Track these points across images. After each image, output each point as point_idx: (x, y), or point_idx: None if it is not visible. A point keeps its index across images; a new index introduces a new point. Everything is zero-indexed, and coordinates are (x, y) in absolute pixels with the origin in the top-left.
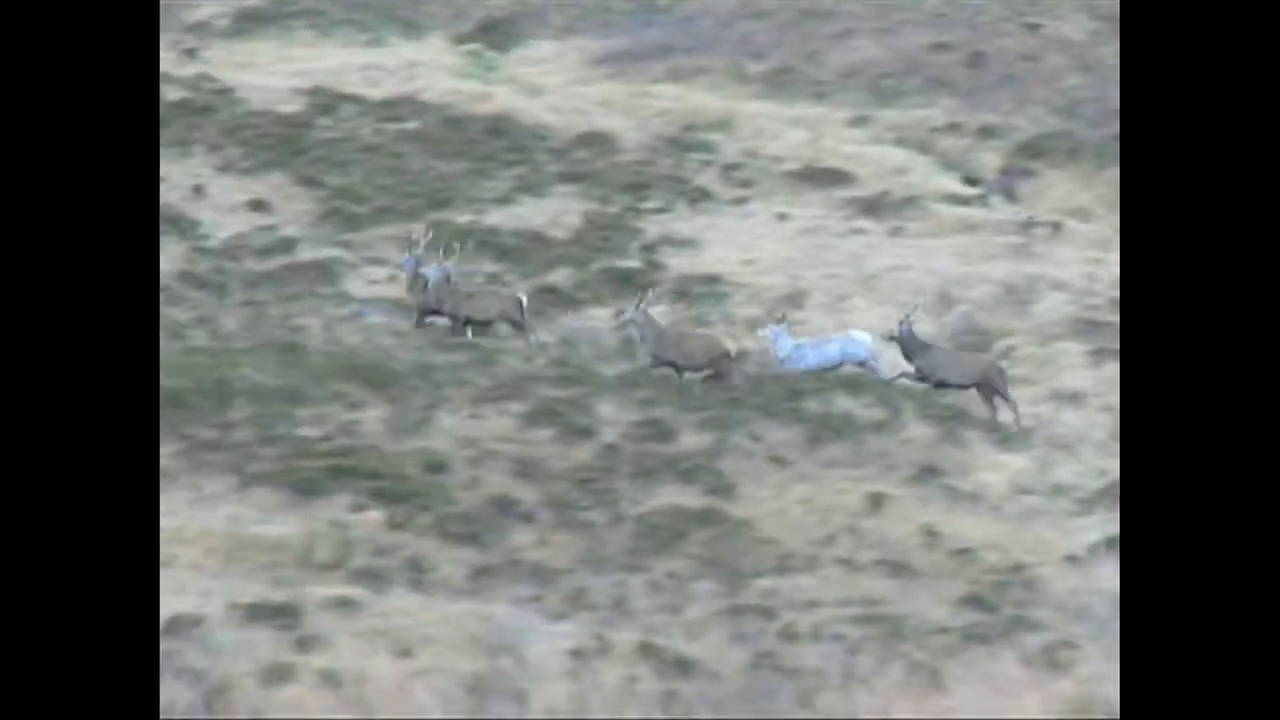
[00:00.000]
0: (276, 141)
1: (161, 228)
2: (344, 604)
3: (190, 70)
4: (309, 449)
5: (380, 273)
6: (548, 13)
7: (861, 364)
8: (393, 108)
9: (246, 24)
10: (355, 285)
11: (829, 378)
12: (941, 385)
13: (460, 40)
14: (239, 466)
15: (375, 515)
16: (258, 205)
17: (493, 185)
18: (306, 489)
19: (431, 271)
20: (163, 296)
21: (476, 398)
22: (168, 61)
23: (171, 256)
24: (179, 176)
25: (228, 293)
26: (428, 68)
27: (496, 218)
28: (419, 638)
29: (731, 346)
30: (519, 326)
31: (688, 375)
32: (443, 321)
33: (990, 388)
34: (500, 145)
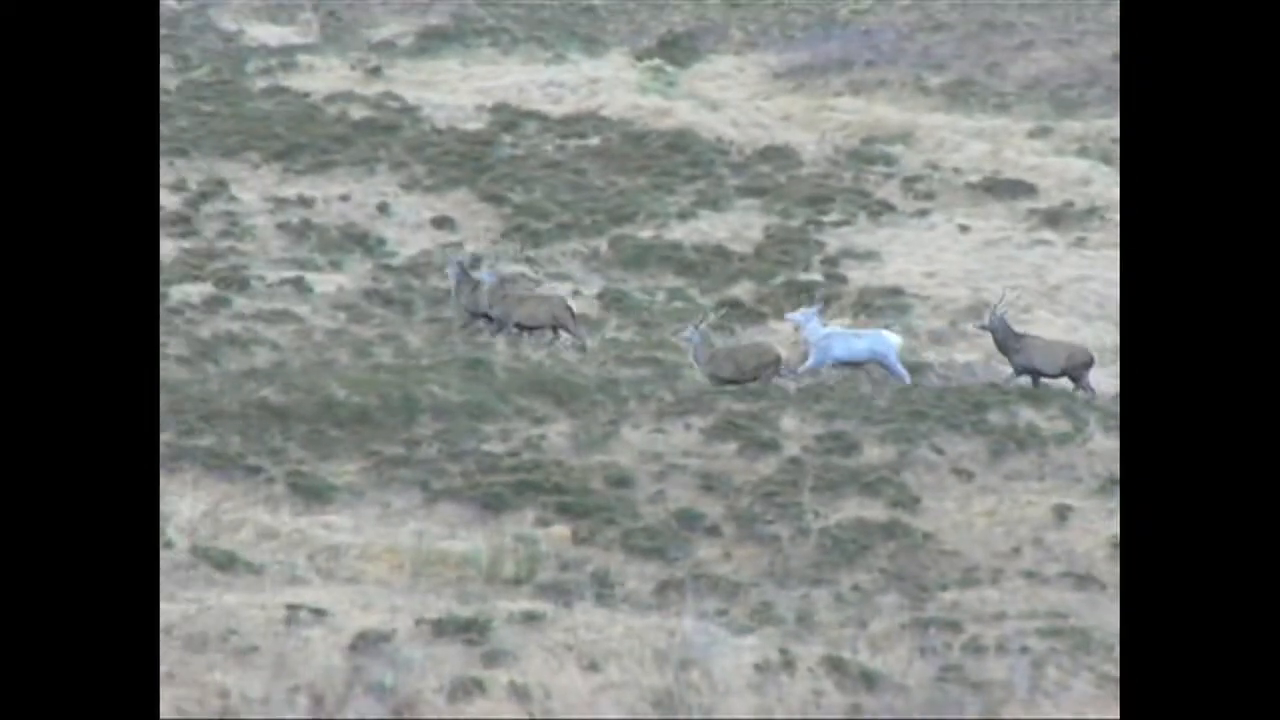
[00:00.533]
0: (460, 159)
1: (346, 245)
2: (531, 618)
3: (375, 89)
4: (495, 464)
5: (564, 288)
6: (728, 27)
7: (886, 365)
8: (574, 124)
9: (430, 42)
10: None
11: (1011, 390)
12: (1035, 374)
13: (641, 56)
14: (425, 482)
15: (561, 530)
16: (442, 222)
17: (674, 200)
18: (492, 504)
19: (485, 276)
20: (348, 314)
21: (660, 412)
22: (353, 80)
23: (357, 274)
24: (364, 194)
25: (413, 310)
26: (609, 84)
27: (678, 232)
28: (605, 652)
29: (782, 353)
30: (569, 331)
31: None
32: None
33: (1073, 375)
34: (681, 160)
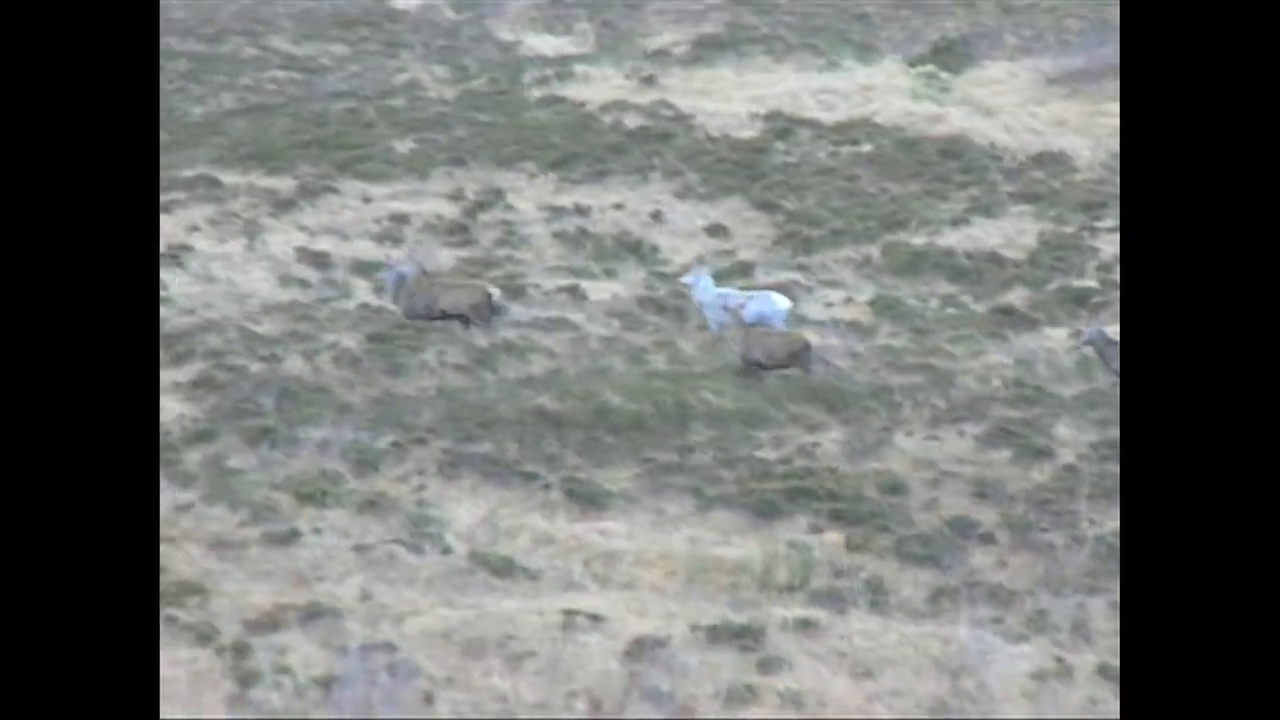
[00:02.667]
0: (733, 167)
1: (621, 253)
2: (805, 625)
3: (649, 97)
4: (768, 471)
5: (837, 295)
6: (1002, 33)
7: (779, 326)
8: (848, 131)
9: (704, 51)
10: (812, 308)
11: None
12: None
13: (914, 62)
14: (699, 489)
15: (834, 537)
16: (716, 230)
17: (947, 207)
18: (766, 511)
19: (405, 269)
20: (622, 321)
21: (933, 419)
22: (628, 89)
23: (631, 282)
24: (637, 202)
25: (686, 317)
26: (882, 90)
27: (951, 239)
28: (880, 660)
29: (813, 340)
30: (484, 320)
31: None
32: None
33: None
34: (954, 166)
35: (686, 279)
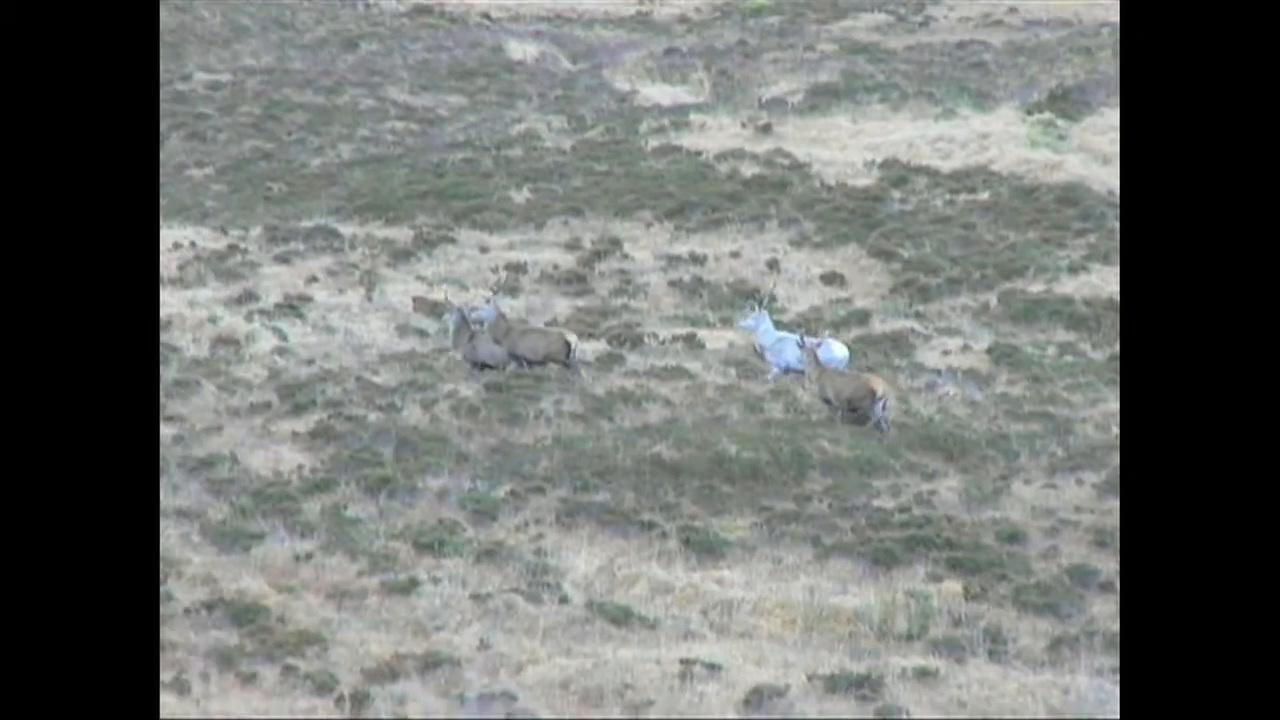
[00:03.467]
0: (850, 214)
1: (737, 302)
2: (923, 675)
3: (765, 146)
4: (885, 520)
5: (953, 343)
6: (1118, 80)
7: None
8: (964, 178)
9: (820, 99)
10: (929, 356)
11: None
12: None
13: (1031, 110)
14: (816, 538)
15: (952, 585)
16: (832, 278)
17: (1064, 254)
18: (883, 560)
19: (484, 311)
20: (739, 370)
21: (1051, 467)
22: (743, 138)
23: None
24: (754, 251)
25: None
26: (999, 138)
27: (1069, 286)
28: (999, 709)
29: (878, 387)
30: (566, 366)
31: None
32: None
33: None
34: (1071, 214)
35: (746, 322)
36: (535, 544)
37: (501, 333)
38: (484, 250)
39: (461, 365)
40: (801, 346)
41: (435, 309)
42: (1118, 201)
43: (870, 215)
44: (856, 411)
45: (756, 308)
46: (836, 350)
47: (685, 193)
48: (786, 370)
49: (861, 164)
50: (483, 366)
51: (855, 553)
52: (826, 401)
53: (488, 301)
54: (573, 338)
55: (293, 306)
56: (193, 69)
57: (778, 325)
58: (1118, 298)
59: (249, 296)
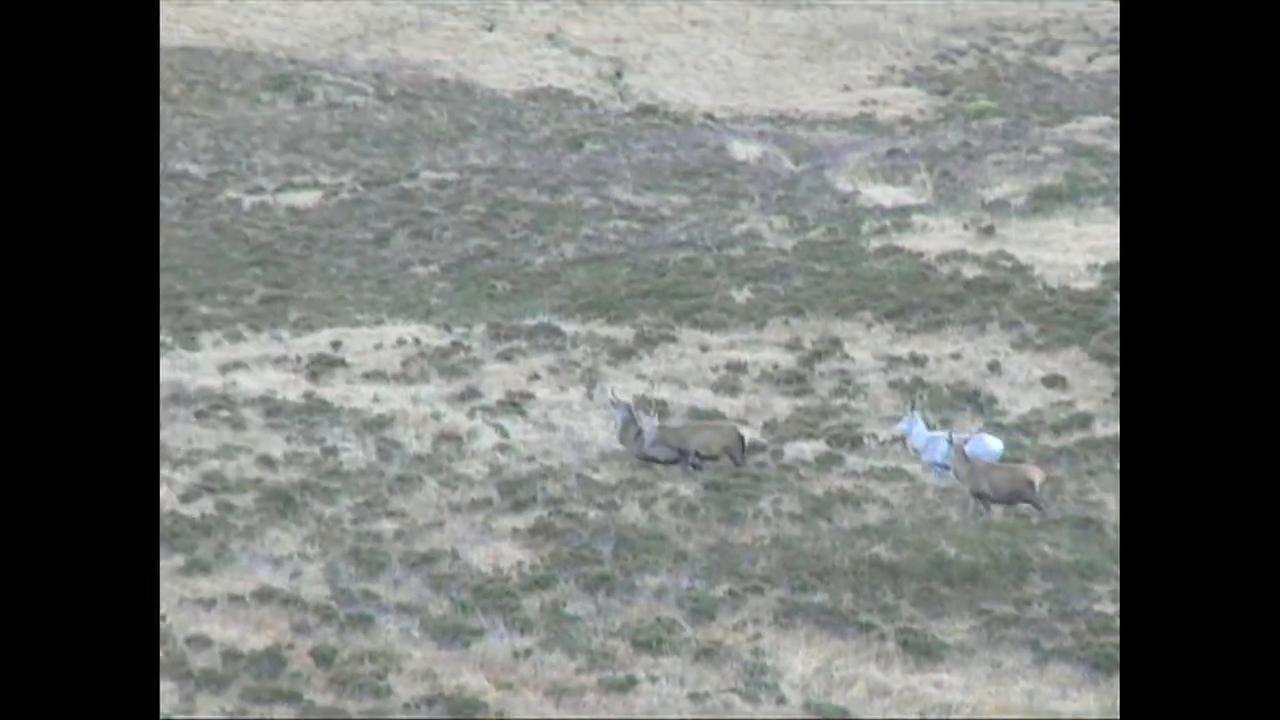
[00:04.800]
0: (1072, 318)
1: (957, 403)
2: None
3: (987, 248)
4: (1107, 625)
5: None
6: None
7: None
8: None
9: (1043, 201)
10: None
11: None
12: None
13: None
14: (1036, 642)
15: None
16: (1053, 381)
17: None
18: (1104, 665)
19: (647, 424)
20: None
21: None
22: (965, 239)
23: (967, 431)
24: (975, 353)
25: None
26: None
27: None
28: None
29: (1036, 477)
30: (735, 460)
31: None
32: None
33: None
34: None
35: (901, 425)
36: (753, 644)
37: (670, 434)
38: (704, 349)
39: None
40: (950, 444)
41: (656, 408)
42: None
43: (1093, 319)
44: (1016, 503)
45: (910, 410)
46: (991, 444)
47: (906, 294)
48: (944, 469)
49: (1084, 267)
50: (653, 461)
51: (1075, 658)
52: (981, 496)
53: (613, 404)
54: (746, 430)
55: (514, 404)
56: (419, 167)
57: (999, 429)
58: None
59: (471, 393)
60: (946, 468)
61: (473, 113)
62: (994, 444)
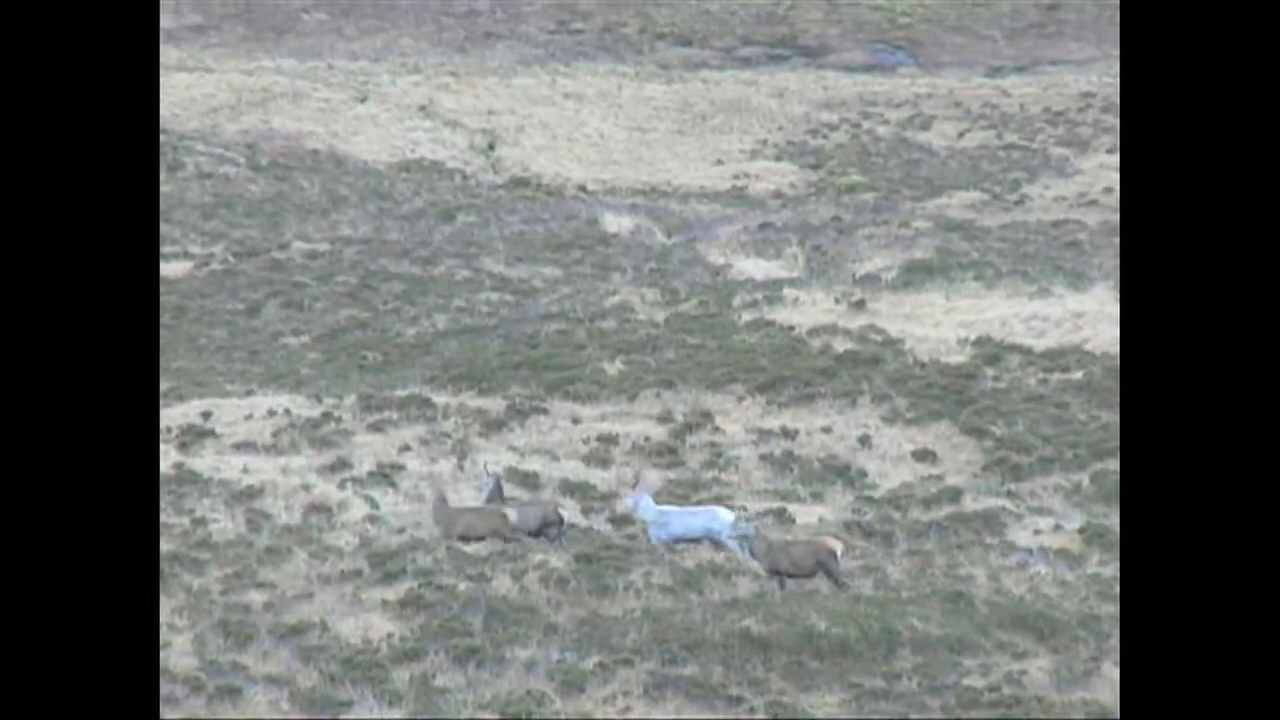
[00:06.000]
0: (943, 392)
1: (828, 477)
2: None
3: (858, 322)
4: (975, 699)
5: (1045, 522)
6: None
7: (718, 542)
8: (1058, 358)
9: (914, 276)
10: (1021, 535)
11: None
12: None
13: None
14: (905, 716)
15: None
16: (923, 455)
17: None
18: None
19: (747, 530)
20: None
21: None
22: (837, 313)
23: (838, 505)
24: (845, 427)
25: (894, 542)
26: (1093, 318)
27: None
28: None
29: (837, 546)
30: (552, 538)
31: None
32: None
33: None
34: None
35: (628, 501)
36: (623, 716)
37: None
38: (576, 421)
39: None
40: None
41: (527, 479)
42: None
43: (963, 393)
44: (815, 576)
45: (633, 486)
46: (723, 516)
47: (778, 367)
48: (674, 541)
49: (955, 341)
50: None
51: None
52: (778, 574)
53: (487, 474)
54: (565, 511)
55: (385, 475)
56: (291, 238)
57: (869, 501)
58: None
59: (342, 464)
60: (678, 541)
61: (345, 183)
62: (725, 515)
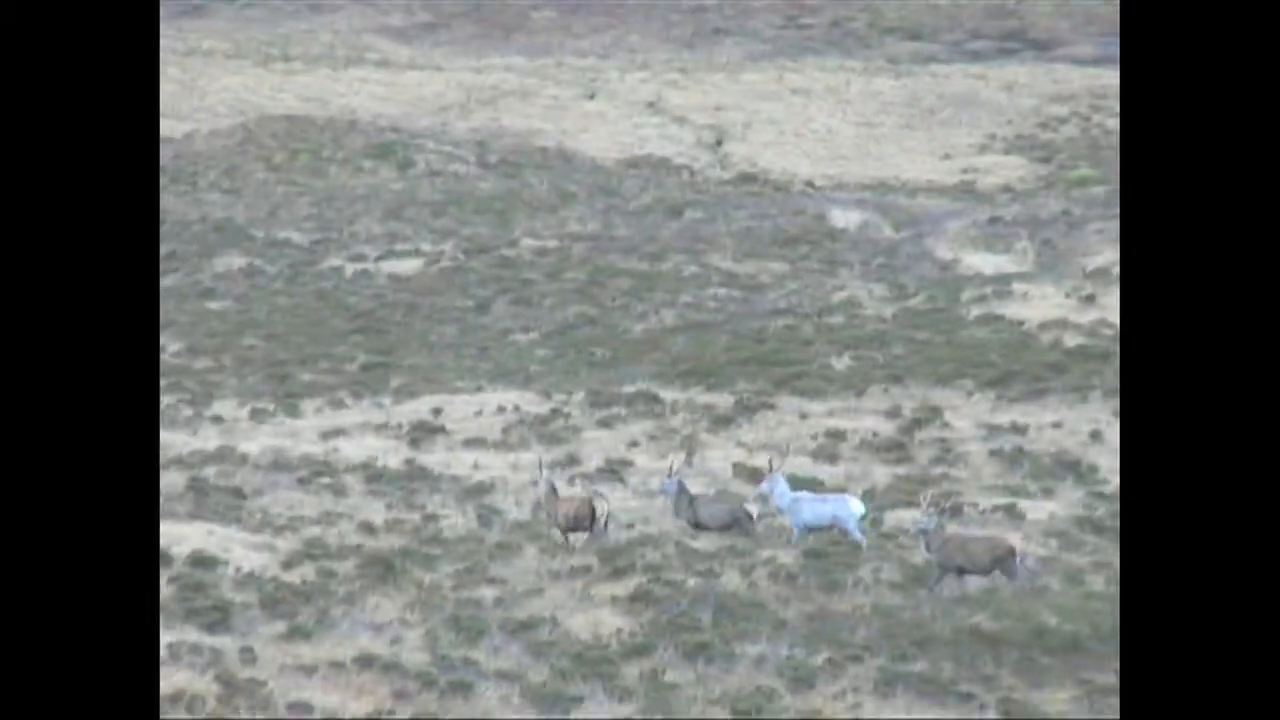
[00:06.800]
0: None
1: (1059, 473)
2: None
3: (1088, 316)
4: None
5: None
6: None
7: (846, 531)
8: None
9: None
10: None
11: None
12: None
13: None
14: None
15: None
16: None
17: None
18: None
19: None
20: (1060, 541)
21: None
22: (1067, 308)
23: (1068, 501)
24: (1076, 422)
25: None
26: None
27: None
28: None
29: (1018, 543)
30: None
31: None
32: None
33: None
34: None
35: (762, 486)
36: (853, 712)
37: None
38: (803, 417)
39: (781, 533)
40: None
41: (754, 475)
42: None
43: None
44: (991, 574)
45: (769, 470)
46: (854, 507)
47: (1007, 362)
48: (808, 530)
49: None
50: (704, 528)
51: None
52: (953, 570)
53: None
54: (750, 508)
55: (614, 470)
56: (520, 235)
57: (1100, 497)
58: None
59: (571, 460)
60: (811, 529)
61: (574, 180)
62: (856, 506)
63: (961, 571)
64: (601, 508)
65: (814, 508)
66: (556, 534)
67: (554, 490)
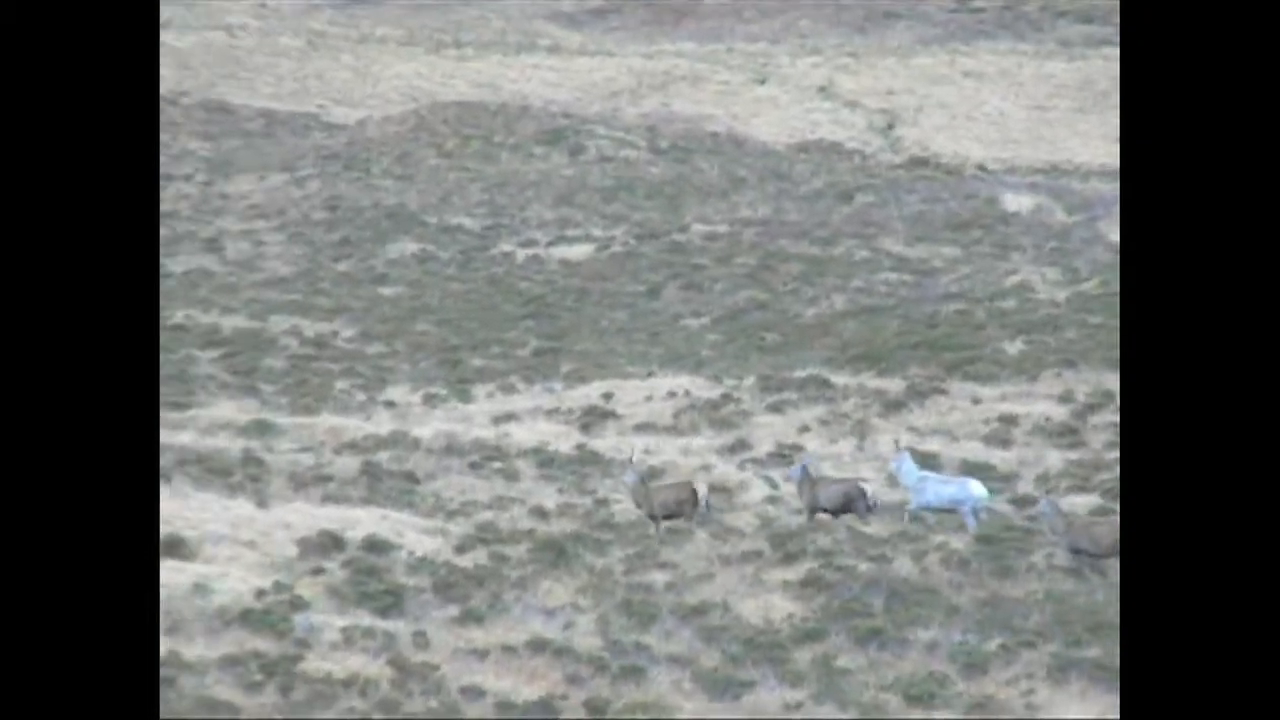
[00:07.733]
0: None
1: None
2: None
3: None
4: None
5: None
6: None
7: (961, 513)
8: None
9: None
10: None
11: None
12: None
13: None
14: None
15: None
16: None
17: None
18: None
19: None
20: None
21: None
22: None
23: None
24: None
25: None
26: None
27: None
28: None
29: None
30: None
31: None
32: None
33: None
34: None
35: (891, 463)
36: (1026, 699)
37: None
38: (976, 402)
39: (952, 518)
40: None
41: (927, 460)
42: None
43: None
44: (1114, 556)
45: (897, 449)
46: (975, 490)
47: None
48: (928, 508)
49: None
50: (822, 511)
51: None
52: (1078, 552)
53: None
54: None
55: (784, 455)
56: (690, 220)
57: None
58: None
59: (742, 445)
60: (932, 508)
61: (744, 165)
62: (977, 489)
63: (1086, 554)
64: (703, 492)
65: (937, 488)
66: (650, 524)
67: (641, 480)
